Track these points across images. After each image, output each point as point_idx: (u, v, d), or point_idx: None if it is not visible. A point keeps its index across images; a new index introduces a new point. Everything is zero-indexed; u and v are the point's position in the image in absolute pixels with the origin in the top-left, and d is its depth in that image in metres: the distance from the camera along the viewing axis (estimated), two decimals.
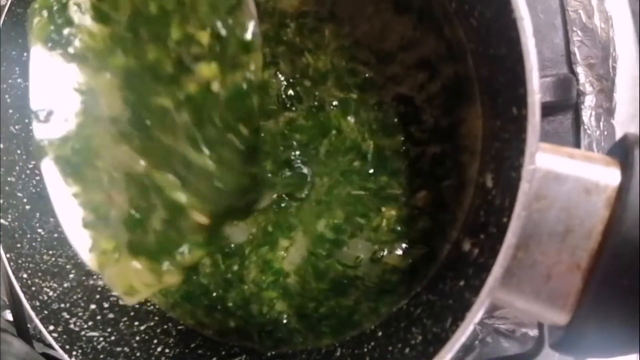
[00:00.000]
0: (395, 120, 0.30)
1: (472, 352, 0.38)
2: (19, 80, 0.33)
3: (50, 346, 0.43)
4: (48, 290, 0.29)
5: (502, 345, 0.37)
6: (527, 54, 0.17)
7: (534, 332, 0.36)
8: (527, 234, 0.18)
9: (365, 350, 0.27)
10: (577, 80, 0.33)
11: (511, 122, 0.19)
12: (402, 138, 0.30)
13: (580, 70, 0.33)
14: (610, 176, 0.17)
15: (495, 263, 0.17)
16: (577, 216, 0.17)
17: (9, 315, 0.44)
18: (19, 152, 0.32)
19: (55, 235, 0.32)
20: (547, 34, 0.33)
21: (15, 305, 0.40)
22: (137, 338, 0.29)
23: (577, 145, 0.35)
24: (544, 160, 0.18)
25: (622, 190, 0.16)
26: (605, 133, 0.33)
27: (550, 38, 0.34)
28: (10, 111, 0.33)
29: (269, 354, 0.30)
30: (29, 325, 0.41)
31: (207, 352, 0.30)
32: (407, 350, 0.23)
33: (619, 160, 0.17)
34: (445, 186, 0.29)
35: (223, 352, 0.30)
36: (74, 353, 0.27)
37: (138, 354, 0.28)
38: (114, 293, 0.31)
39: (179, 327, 0.32)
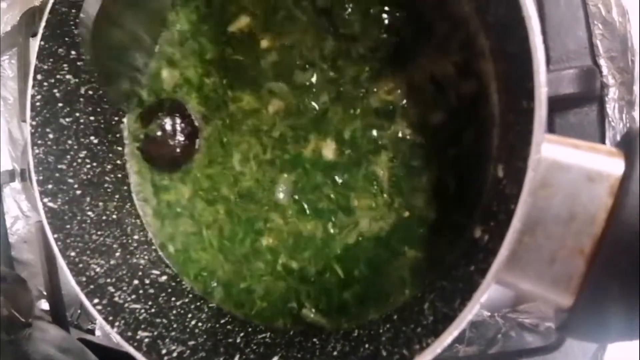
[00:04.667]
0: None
1: (495, 345, 0.39)
2: (67, 76, 0.36)
3: (87, 331, 0.47)
4: (95, 266, 0.32)
5: (525, 339, 0.38)
6: (535, 50, 0.18)
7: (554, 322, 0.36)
8: (532, 220, 0.19)
9: (381, 331, 0.29)
10: (601, 72, 0.33)
11: (522, 114, 0.20)
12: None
13: (603, 62, 0.33)
14: (613, 166, 0.18)
15: (501, 246, 0.19)
16: (581, 203, 0.18)
17: (44, 305, 0.48)
18: (70, 142, 0.36)
19: (104, 217, 0.35)
20: (570, 26, 0.33)
21: (54, 292, 0.44)
22: (174, 312, 0.32)
23: (603, 137, 0.35)
24: (551, 150, 0.19)
25: (625, 179, 0.17)
26: (628, 125, 0.33)
27: (573, 30, 0.34)
28: (60, 104, 0.36)
29: (291, 332, 0.33)
30: (66, 313, 0.45)
31: (235, 328, 0.33)
32: (419, 329, 0.24)
33: (623, 151, 0.18)
34: (467, 178, 0.29)
35: (249, 329, 0.33)
36: (117, 324, 0.30)
37: (174, 326, 0.30)
38: (153, 271, 0.34)
39: (210, 305, 0.34)
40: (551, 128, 0.36)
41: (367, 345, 0.28)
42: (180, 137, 0.36)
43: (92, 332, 0.47)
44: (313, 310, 0.33)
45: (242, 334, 0.32)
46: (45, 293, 0.46)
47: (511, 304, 0.38)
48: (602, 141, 0.34)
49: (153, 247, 0.37)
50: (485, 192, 0.28)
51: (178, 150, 0.36)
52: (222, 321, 0.33)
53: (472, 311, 0.20)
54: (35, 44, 0.34)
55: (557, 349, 0.31)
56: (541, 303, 0.36)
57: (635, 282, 0.17)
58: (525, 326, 0.38)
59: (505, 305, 0.38)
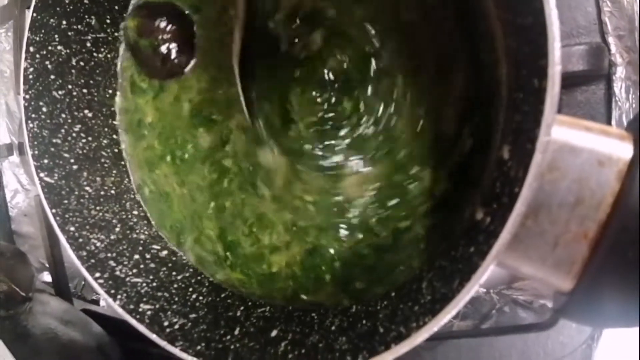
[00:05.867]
0: None
1: (489, 320, 0.39)
2: (58, 47, 0.35)
3: (91, 301, 0.47)
4: (95, 241, 0.32)
5: (519, 315, 0.38)
6: (550, 25, 0.17)
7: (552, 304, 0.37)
8: (537, 203, 0.18)
9: (378, 307, 0.29)
10: (609, 50, 0.32)
11: (532, 94, 0.20)
12: None
13: (611, 40, 0.32)
14: (623, 150, 0.17)
15: (503, 230, 0.18)
16: (589, 187, 0.18)
17: (46, 277, 0.48)
18: (63, 116, 0.35)
19: (102, 193, 0.35)
20: (579, 1, 0.32)
21: (56, 265, 0.44)
22: (175, 286, 0.32)
23: (609, 116, 0.35)
24: (561, 132, 0.18)
25: (632, 164, 0.17)
26: (634, 106, 0.32)
27: (583, 5, 0.32)
28: (52, 77, 0.35)
29: (290, 307, 0.33)
30: (69, 284, 0.45)
31: (235, 302, 0.33)
32: (416, 307, 0.24)
33: (632, 135, 0.18)
34: (470, 159, 0.29)
35: (249, 303, 0.33)
36: (119, 297, 0.30)
37: (176, 299, 0.31)
38: (154, 246, 0.34)
39: (211, 280, 0.35)
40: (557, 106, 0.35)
41: (364, 322, 0.29)
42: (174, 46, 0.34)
43: (96, 302, 0.47)
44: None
45: (242, 308, 0.33)
46: (47, 265, 0.46)
47: (506, 281, 0.39)
48: (609, 121, 0.33)
49: (153, 223, 0.36)
50: (489, 173, 0.27)
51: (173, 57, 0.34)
52: (222, 295, 0.34)
53: (470, 292, 0.20)
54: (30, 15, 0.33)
55: (552, 327, 0.31)
56: (538, 282, 0.36)
57: (637, 269, 0.17)
58: (519, 303, 0.39)
59: (501, 283, 0.39)
